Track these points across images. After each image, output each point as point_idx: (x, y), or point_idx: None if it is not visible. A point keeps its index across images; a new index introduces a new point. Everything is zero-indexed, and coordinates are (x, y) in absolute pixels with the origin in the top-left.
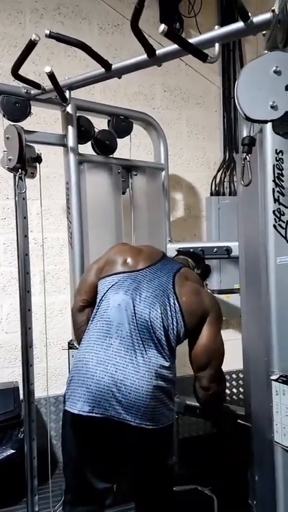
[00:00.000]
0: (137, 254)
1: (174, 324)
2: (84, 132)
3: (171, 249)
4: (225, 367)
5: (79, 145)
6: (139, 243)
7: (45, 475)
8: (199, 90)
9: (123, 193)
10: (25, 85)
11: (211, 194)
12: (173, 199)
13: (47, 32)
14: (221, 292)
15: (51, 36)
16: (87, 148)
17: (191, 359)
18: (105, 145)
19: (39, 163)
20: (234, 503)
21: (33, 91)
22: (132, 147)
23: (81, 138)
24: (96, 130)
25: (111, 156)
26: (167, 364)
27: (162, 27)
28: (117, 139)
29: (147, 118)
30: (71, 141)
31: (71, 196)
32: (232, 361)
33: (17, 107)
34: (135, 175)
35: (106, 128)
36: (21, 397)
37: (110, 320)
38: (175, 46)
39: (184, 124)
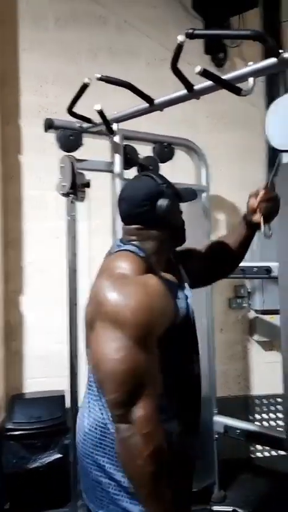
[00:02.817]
0: None
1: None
2: (130, 159)
3: None
4: (264, 390)
5: (125, 170)
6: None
7: None
8: (242, 113)
9: None
10: (78, 120)
11: None
12: (216, 220)
13: (98, 75)
14: (264, 312)
15: (101, 79)
16: (132, 173)
17: None
18: (148, 170)
19: (89, 188)
20: None
21: (85, 125)
22: (176, 169)
23: (126, 164)
24: (141, 156)
25: None
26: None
27: (198, 68)
28: (161, 164)
29: (188, 143)
30: (117, 167)
31: (117, 217)
32: (272, 385)
33: (71, 139)
34: None
35: (150, 155)
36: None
37: None
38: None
39: (227, 146)
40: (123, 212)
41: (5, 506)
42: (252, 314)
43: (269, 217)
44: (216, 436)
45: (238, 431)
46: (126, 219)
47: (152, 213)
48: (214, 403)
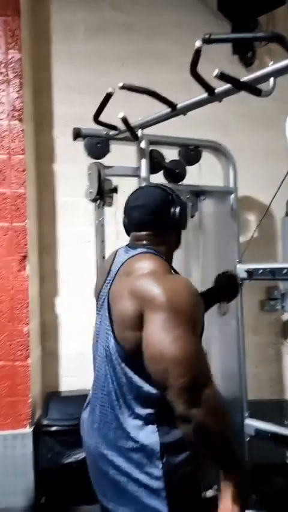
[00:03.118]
0: None
1: None
2: (156, 163)
3: (241, 270)
4: None
5: (151, 175)
6: (206, 264)
7: None
8: (272, 112)
9: (192, 216)
10: (104, 128)
11: (286, 214)
12: (245, 221)
13: (120, 84)
14: None
15: (124, 87)
16: (158, 176)
17: None
18: (175, 173)
19: (116, 193)
20: None
21: (111, 132)
22: (204, 170)
23: (153, 169)
24: (167, 160)
25: (181, 183)
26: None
27: (216, 71)
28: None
29: (216, 145)
30: (143, 172)
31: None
32: None
33: (98, 146)
34: (204, 199)
35: (176, 158)
36: None
37: None
38: None
39: (258, 146)
40: (136, 219)
41: (41, 501)
42: (286, 316)
43: (230, 300)
44: (248, 439)
45: (270, 434)
46: (139, 225)
47: (165, 219)
48: (245, 405)
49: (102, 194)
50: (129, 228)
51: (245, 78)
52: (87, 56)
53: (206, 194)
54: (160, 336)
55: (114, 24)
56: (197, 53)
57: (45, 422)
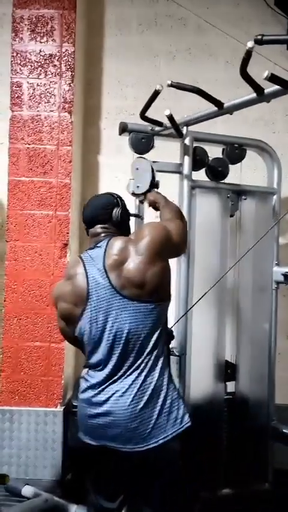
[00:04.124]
0: None
1: None
2: (199, 161)
3: (277, 273)
4: None
5: (193, 172)
6: (243, 264)
7: None
8: None
9: (232, 215)
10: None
11: None
12: (286, 222)
13: (169, 82)
14: None
15: (172, 85)
16: (200, 174)
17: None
18: (217, 172)
19: (157, 189)
20: None
21: (157, 128)
22: (248, 169)
23: (195, 166)
24: (211, 158)
25: (223, 181)
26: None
27: (266, 73)
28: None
29: (261, 144)
30: (186, 169)
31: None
32: None
33: (143, 141)
34: (245, 199)
35: (220, 156)
36: None
37: None
38: None
39: None
40: (89, 216)
41: (68, 477)
42: None
43: None
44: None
45: None
46: (92, 220)
47: (110, 214)
48: (272, 410)
49: (150, 190)
50: (86, 225)
51: None
52: (139, 49)
53: (248, 194)
54: (167, 235)
55: (168, 17)
56: (248, 54)
57: (75, 403)
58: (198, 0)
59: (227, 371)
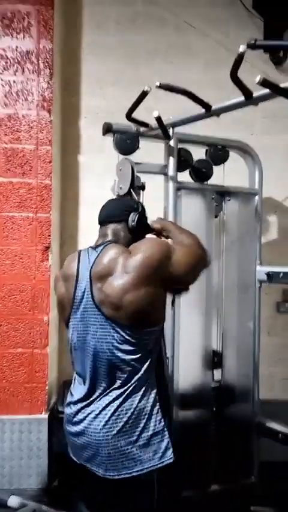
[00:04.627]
0: None
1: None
2: (183, 162)
3: (261, 272)
4: None
5: (178, 173)
6: (228, 263)
7: None
8: None
9: (216, 216)
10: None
11: None
12: (267, 222)
13: (157, 83)
14: None
15: (161, 86)
16: (183, 175)
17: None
18: (202, 173)
19: (143, 191)
20: None
21: (142, 129)
22: (230, 171)
23: (180, 167)
24: (194, 159)
25: (207, 183)
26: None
27: (258, 77)
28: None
29: (243, 146)
30: (171, 170)
31: (168, 219)
32: None
33: (128, 142)
34: (229, 200)
35: (203, 157)
36: None
37: None
38: None
39: (285, 148)
40: (105, 213)
41: (54, 484)
42: None
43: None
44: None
45: (281, 434)
46: (106, 217)
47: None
48: (257, 405)
49: (132, 190)
50: (99, 223)
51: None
52: (118, 48)
53: (231, 195)
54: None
55: (147, 17)
56: (240, 57)
57: (60, 408)
58: (177, 0)
59: (214, 359)
